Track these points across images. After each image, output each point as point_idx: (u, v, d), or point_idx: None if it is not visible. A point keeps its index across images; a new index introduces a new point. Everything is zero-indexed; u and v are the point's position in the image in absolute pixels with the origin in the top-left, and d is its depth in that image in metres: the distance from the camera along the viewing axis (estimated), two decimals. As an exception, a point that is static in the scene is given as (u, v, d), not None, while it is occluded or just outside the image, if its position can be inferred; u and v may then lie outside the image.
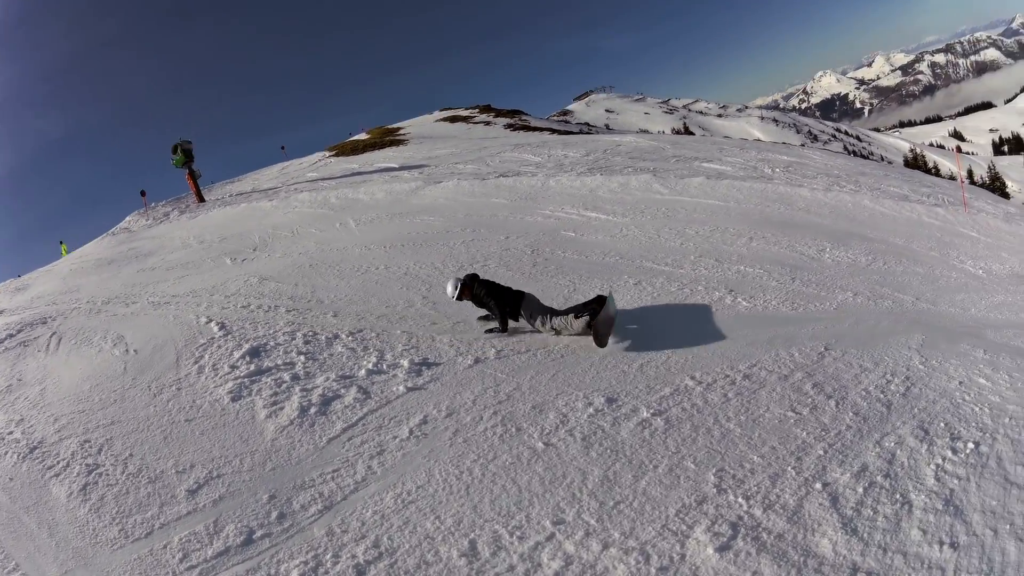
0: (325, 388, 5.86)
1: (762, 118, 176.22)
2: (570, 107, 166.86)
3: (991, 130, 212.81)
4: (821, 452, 4.65)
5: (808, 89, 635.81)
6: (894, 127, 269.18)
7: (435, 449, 4.80)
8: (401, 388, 5.81)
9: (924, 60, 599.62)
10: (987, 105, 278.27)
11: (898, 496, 4.10)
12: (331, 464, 4.67)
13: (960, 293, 9.88)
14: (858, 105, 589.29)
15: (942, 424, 4.93)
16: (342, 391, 5.79)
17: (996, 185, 59.31)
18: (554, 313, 6.81)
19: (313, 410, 5.47)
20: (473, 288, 6.89)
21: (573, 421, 5.28)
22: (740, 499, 4.08)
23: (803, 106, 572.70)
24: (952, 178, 48.67)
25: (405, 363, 6.27)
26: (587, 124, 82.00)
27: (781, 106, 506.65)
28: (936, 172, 66.90)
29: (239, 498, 4.34)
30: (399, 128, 42.50)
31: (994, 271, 11.59)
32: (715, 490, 4.21)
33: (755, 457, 4.54)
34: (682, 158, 19.61)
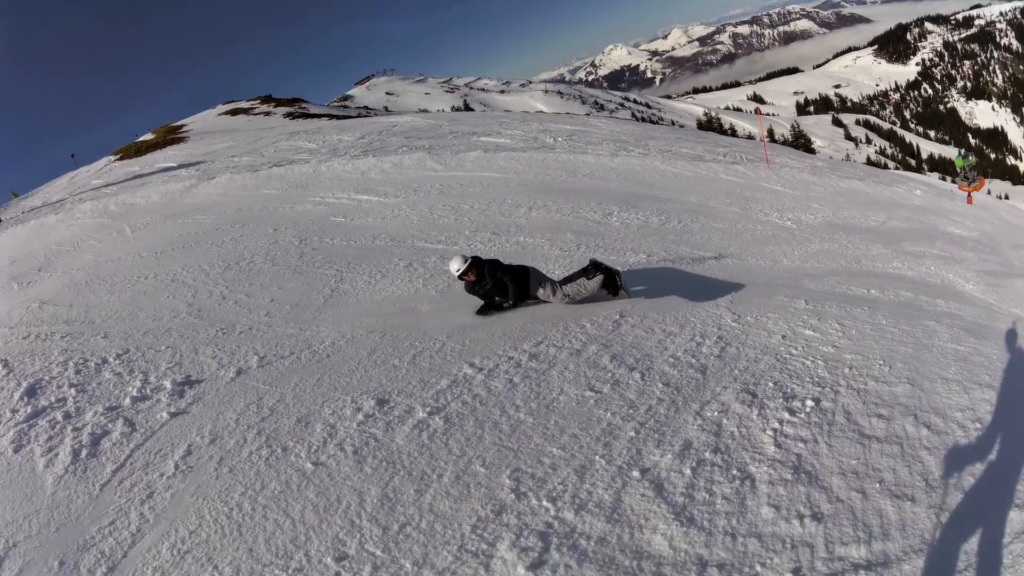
0: (94, 425, 6.76)
1: (546, 91, 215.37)
2: (351, 92, 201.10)
3: (795, 92, 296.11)
4: (632, 434, 5.52)
5: (596, 62, 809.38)
6: (687, 93, 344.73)
7: (202, 484, 5.49)
8: (165, 415, 6.81)
9: (726, 31, 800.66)
10: (793, 70, 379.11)
11: (735, 472, 4.96)
12: (107, 515, 5.28)
13: (769, 245, 12.84)
14: (649, 75, 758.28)
15: (770, 384, 6.24)
16: (110, 426, 6.70)
17: (801, 142, 75.95)
18: (562, 282, 8.86)
19: (84, 453, 6.25)
20: (482, 269, 8.68)
21: (342, 432, 5.97)
22: (545, 502, 4.69)
23: (591, 78, 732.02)
24: (750, 138, 63.35)
25: (168, 384, 7.46)
26: (366, 108, 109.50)
27: (567, 79, 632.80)
28: (732, 133, 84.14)
29: (35, 569, 4.82)
30: (182, 125, 55.89)
31: (805, 221, 15.35)
32: (513, 495, 4.79)
33: (554, 450, 5.31)
34: (459, 134, 24.22)
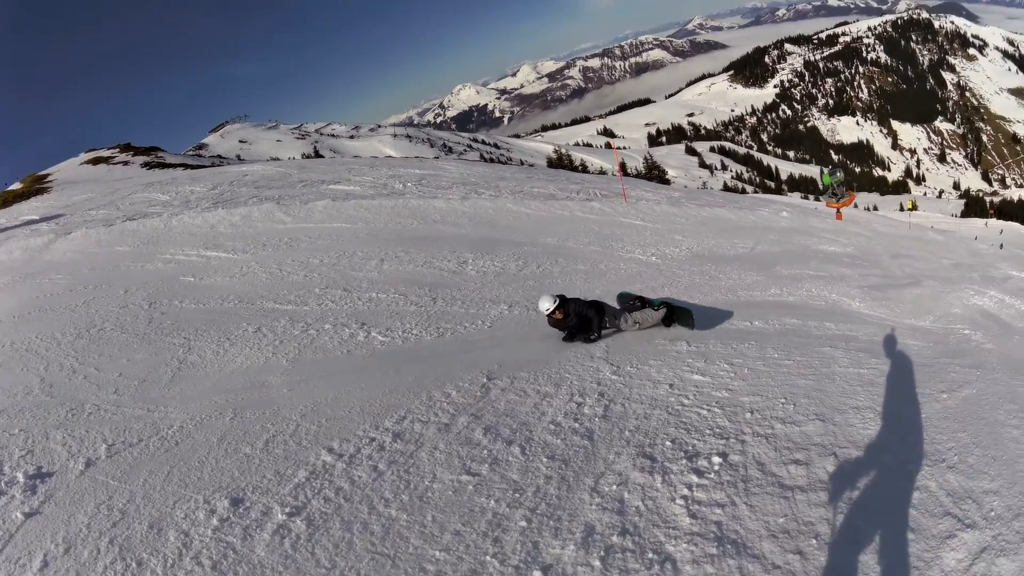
0: (-45, 534, 6.03)
1: (395, 135, 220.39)
2: (206, 140, 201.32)
3: (647, 124, 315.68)
4: (523, 523, 5.06)
5: (445, 103, 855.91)
6: (536, 131, 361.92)
7: (61, 610, 4.99)
8: (19, 515, 6.19)
9: (576, 65, 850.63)
10: (645, 101, 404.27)
11: (651, 556, 4.61)
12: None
13: (635, 283, 12.74)
14: (497, 114, 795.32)
15: (668, 443, 5.95)
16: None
17: (655, 173, 79.40)
18: (627, 311, 9.71)
19: (-52, 571, 5.59)
20: (567, 307, 9.27)
21: (198, 542, 5.35)
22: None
23: (439, 120, 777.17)
24: (603, 173, 66.12)
25: (21, 477, 6.79)
26: (219, 156, 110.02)
27: (416, 122, 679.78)
28: (584, 169, 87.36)
29: None
30: (47, 175, 54.94)
31: (670, 255, 15.53)
32: (400, 619, 4.32)
33: (437, 553, 4.83)
34: (309, 182, 24.12)
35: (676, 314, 9.74)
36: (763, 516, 4.76)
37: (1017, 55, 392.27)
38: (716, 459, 5.55)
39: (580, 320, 9.39)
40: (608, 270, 13.79)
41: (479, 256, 13.87)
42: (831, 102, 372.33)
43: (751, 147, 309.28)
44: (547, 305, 9.19)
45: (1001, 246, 62.45)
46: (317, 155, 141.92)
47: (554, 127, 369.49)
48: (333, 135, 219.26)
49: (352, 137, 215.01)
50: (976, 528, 4.85)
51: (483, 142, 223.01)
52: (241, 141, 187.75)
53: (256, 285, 12.59)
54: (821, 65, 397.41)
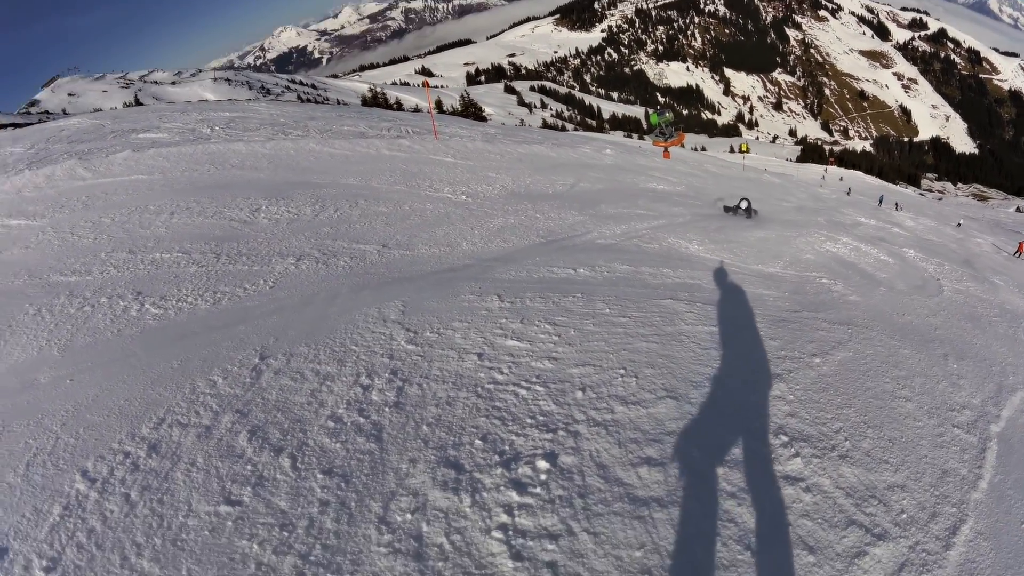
0: None
1: (215, 79, 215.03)
2: (38, 96, 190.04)
3: (466, 63, 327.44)
4: (297, 562, 4.00)
5: (266, 45, 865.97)
6: (354, 71, 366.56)
7: None
8: None
9: (399, 7, 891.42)
10: (466, 42, 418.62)
11: None
12: None
13: (442, 226, 11.90)
14: (317, 55, 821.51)
15: (478, 441, 4.76)
16: None
17: (471, 111, 79.98)
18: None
19: None
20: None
21: None
22: None
23: (259, 62, 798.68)
24: (417, 110, 65.13)
25: None
26: (47, 112, 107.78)
27: (236, 65, 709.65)
28: (399, 107, 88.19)
29: None
30: None
31: (482, 193, 14.83)
32: None
33: None
34: (120, 132, 22.17)
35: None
36: (613, 550, 3.74)
37: (875, 22, 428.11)
38: (542, 464, 4.40)
39: None
40: (412, 211, 12.84)
41: (274, 202, 12.78)
42: (660, 48, 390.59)
43: (573, 87, 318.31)
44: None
45: (849, 191, 66.70)
46: (138, 103, 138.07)
47: (373, 67, 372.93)
48: (156, 82, 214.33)
49: (174, 83, 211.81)
50: (888, 538, 4.29)
51: (301, 83, 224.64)
52: (70, 95, 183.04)
53: (47, 255, 11.08)
54: (654, 13, 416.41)
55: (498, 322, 6.46)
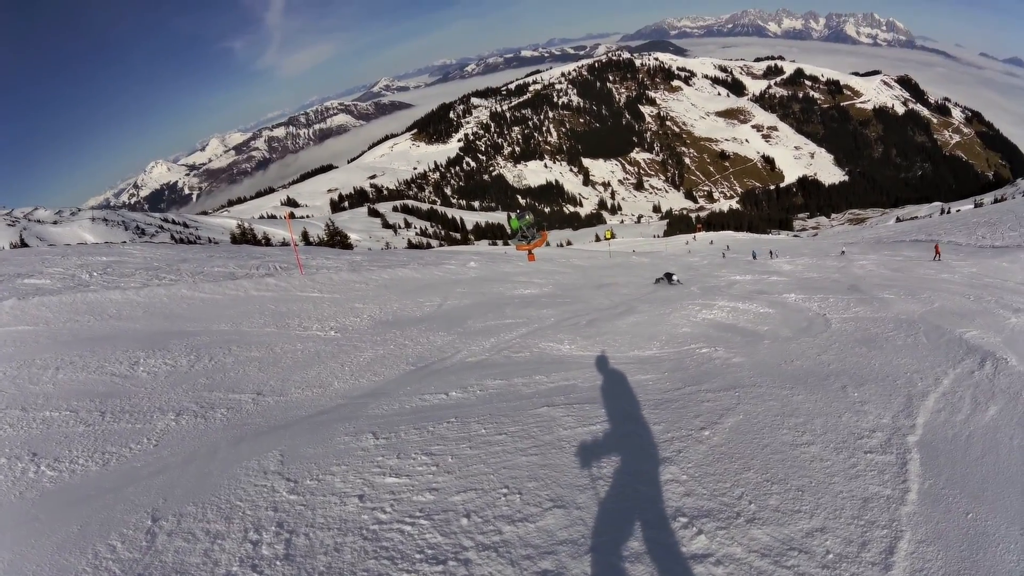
0: None
1: (93, 219, 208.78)
2: None
3: (329, 190, 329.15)
4: None
5: (139, 182, 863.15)
6: (223, 207, 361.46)
7: None
8: None
9: (262, 136, 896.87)
10: (327, 168, 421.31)
11: None
12: None
13: (314, 367, 11.78)
14: (187, 191, 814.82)
15: None
16: None
17: (337, 240, 79.62)
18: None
19: None
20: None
21: None
22: None
23: (133, 200, 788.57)
24: (285, 244, 66.44)
25: None
26: None
27: (112, 203, 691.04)
28: (267, 242, 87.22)
29: None
30: None
31: (351, 326, 14.82)
32: None
33: None
34: (6, 277, 21.85)
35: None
36: None
37: (729, 80, 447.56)
38: None
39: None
40: (284, 353, 12.70)
41: (151, 354, 12.46)
42: (517, 149, 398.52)
43: (435, 202, 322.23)
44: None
45: (724, 253, 68.69)
46: (23, 244, 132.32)
47: (240, 201, 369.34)
48: (40, 221, 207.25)
49: (56, 223, 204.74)
50: None
51: (173, 221, 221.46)
52: None
53: None
54: (508, 115, 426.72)
55: (375, 460, 6.48)
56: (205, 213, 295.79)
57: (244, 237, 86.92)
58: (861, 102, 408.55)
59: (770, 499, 5.40)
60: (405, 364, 11.87)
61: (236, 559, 5.27)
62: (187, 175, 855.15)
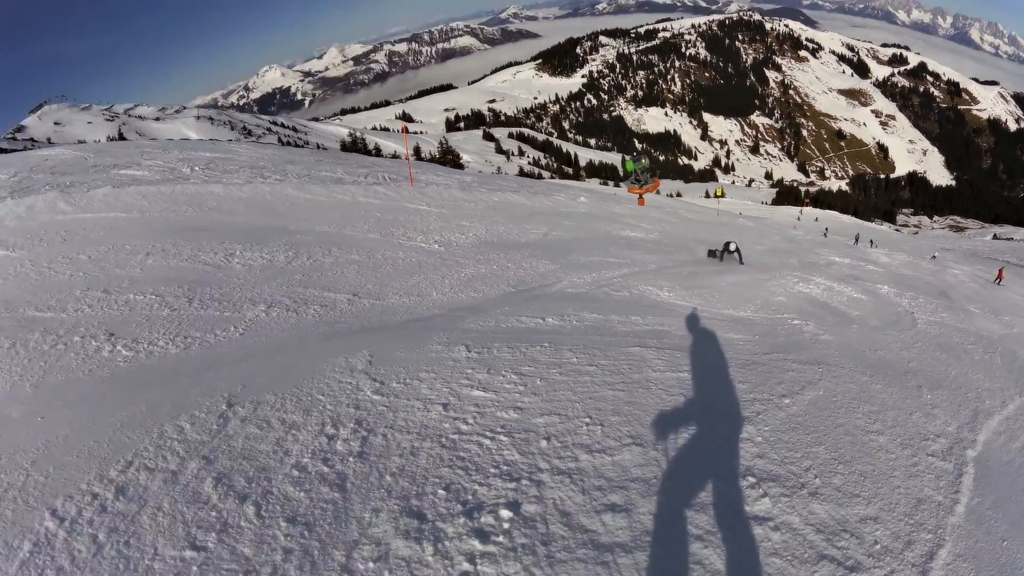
0: None
1: (198, 117, 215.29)
2: (25, 122, 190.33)
3: (446, 109, 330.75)
4: None
5: (250, 85, 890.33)
6: (335, 115, 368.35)
7: None
8: None
9: (383, 49, 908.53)
10: (447, 87, 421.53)
11: None
12: None
13: (413, 276, 12.06)
14: (299, 97, 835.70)
15: (441, 491, 4.75)
16: None
17: (449, 158, 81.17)
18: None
19: None
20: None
21: None
22: None
23: (242, 102, 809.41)
24: (396, 157, 66.69)
25: None
26: (32, 140, 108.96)
27: (220, 104, 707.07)
28: (377, 153, 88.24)
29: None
30: None
31: (455, 242, 15.02)
32: None
33: None
34: (101, 167, 22.19)
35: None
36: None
37: (855, 60, 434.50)
38: (505, 513, 4.40)
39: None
40: (385, 259, 12.95)
41: (248, 247, 12.79)
42: (640, 93, 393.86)
43: (551, 134, 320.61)
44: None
45: (826, 232, 67.26)
46: (121, 138, 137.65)
47: (354, 111, 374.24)
48: (140, 117, 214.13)
49: (158, 119, 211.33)
50: (862, 570, 4.41)
51: (282, 125, 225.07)
52: (56, 123, 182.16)
53: (24, 288, 11.06)
54: (635, 58, 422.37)
55: (464, 372, 6.49)
56: (316, 120, 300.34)
57: (354, 146, 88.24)
58: (977, 109, 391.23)
59: (834, 478, 5.39)
60: (505, 285, 12.01)
61: (308, 451, 5.33)
62: (301, 81, 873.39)
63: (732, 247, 18.95)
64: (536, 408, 5.85)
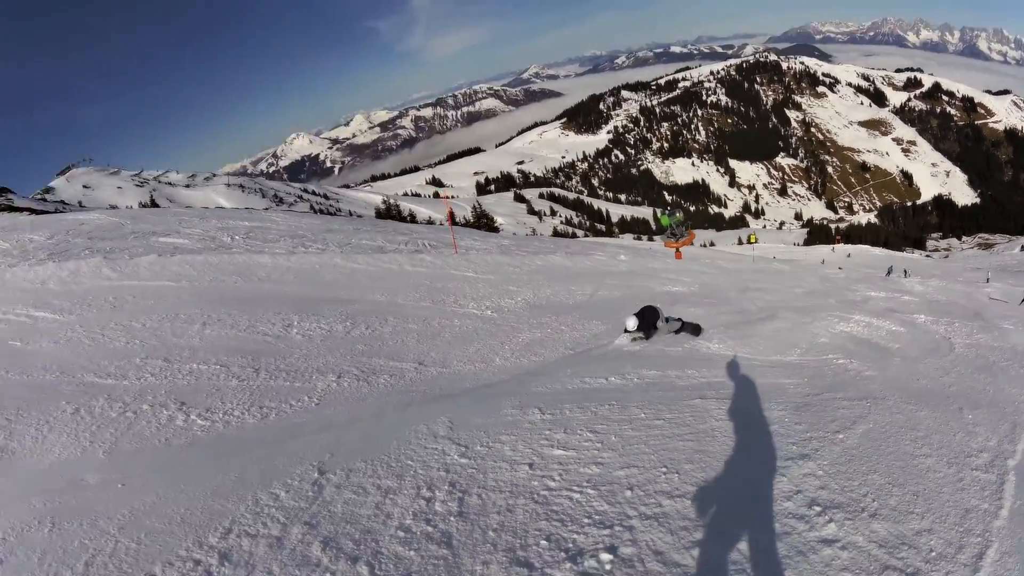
0: None
1: (228, 185, 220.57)
2: (53, 184, 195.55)
3: (475, 173, 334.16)
4: None
5: (279, 152, 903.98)
6: (365, 182, 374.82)
7: None
8: None
9: (408, 115, 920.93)
10: (475, 150, 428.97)
11: None
12: None
13: (473, 343, 12.43)
14: (328, 164, 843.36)
15: (543, 541, 5.06)
16: None
17: (483, 222, 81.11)
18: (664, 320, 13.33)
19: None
20: (644, 319, 12.61)
21: None
22: None
23: (272, 169, 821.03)
24: (431, 222, 67.77)
25: None
26: (62, 202, 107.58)
27: (250, 171, 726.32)
28: (412, 219, 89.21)
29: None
30: None
31: (506, 307, 15.34)
32: None
33: None
34: (140, 234, 22.94)
35: (685, 327, 13.06)
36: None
37: (872, 89, 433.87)
38: (605, 556, 4.75)
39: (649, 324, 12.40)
40: (442, 328, 13.29)
41: (304, 317, 13.14)
42: (666, 145, 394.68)
43: (581, 192, 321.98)
44: (632, 324, 12.09)
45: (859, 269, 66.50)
46: (153, 204, 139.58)
47: (384, 177, 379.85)
48: (171, 184, 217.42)
49: (188, 186, 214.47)
50: (921, 575, 4.83)
51: (313, 192, 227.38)
52: (85, 187, 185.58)
53: (79, 353, 11.36)
54: (658, 110, 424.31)
55: (543, 433, 6.83)
56: (347, 187, 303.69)
57: (389, 213, 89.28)
58: (993, 122, 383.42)
59: (890, 499, 5.73)
60: (563, 348, 12.31)
61: (409, 513, 5.59)
62: (329, 148, 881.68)
63: (666, 317, 13.16)
64: (615, 462, 6.17)
